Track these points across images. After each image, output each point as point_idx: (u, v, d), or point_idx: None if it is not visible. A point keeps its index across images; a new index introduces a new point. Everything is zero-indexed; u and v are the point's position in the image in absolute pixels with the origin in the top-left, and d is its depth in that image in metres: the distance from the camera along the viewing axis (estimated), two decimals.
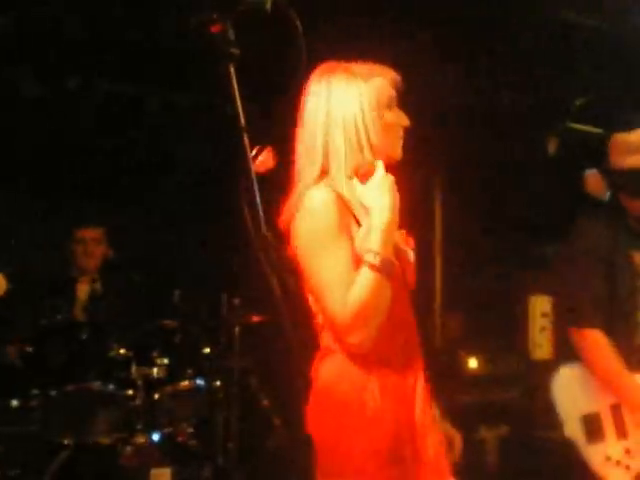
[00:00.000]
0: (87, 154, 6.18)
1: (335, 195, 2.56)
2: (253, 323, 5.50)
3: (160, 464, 4.75)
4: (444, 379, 5.88)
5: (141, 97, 6.13)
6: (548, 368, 7.31)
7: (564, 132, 6.35)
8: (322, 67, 2.71)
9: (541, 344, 7.49)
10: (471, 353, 6.05)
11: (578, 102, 6.18)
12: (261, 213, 2.21)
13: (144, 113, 6.14)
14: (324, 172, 2.65)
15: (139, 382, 4.96)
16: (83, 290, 5.77)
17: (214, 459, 5.13)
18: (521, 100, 6.22)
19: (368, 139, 2.61)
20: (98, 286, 5.80)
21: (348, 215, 2.57)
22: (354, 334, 2.47)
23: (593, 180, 4.24)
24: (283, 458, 5.27)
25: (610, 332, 3.81)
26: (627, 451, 3.79)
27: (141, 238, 6.28)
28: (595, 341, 3.81)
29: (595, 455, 3.82)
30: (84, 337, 5.21)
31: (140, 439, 4.84)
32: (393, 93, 2.67)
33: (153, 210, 6.44)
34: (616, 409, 3.83)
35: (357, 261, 2.51)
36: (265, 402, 5.39)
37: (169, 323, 5.30)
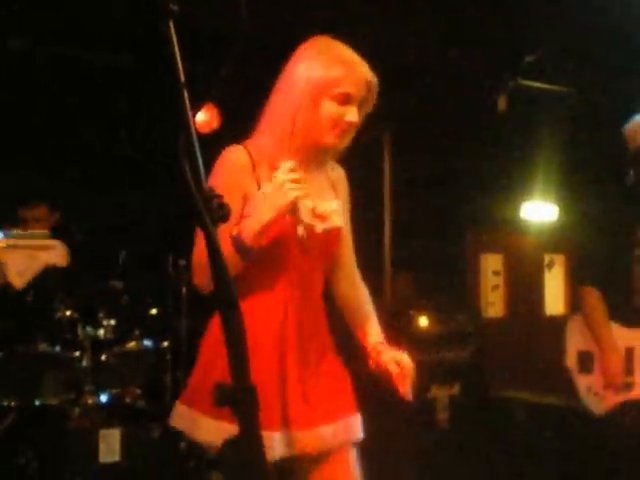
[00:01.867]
0: (30, 118, 6.09)
1: (245, 154, 2.76)
2: None
3: (109, 425, 4.73)
4: (394, 338, 5.88)
5: (83, 59, 6.04)
6: (500, 326, 7.41)
7: (514, 89, 6.35)
8: (314, 39, 2.85)
9: (493, 302, 7.55)
10: (422, 312, 6.04)
11: (528, 59, 6.17)
12: (202, 167, 2.18)
13: (87, 75, 6.05)
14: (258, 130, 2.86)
15: (86, 343, 4.95)
16: None
17: (163, 420, 5.11)
18: (470, 57, 6.21)
19: (293, 119, 2.77)
20: None
21: (249, 176, 2.76)
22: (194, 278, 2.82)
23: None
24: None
25: (611, 292, 4.70)
26: (605, 386, 4.69)
27: (87, 200, 6.21)
28: (591, 297, 4.69)
29: (581, 384, 4.77)
30: (29, 299, 5.17)
31: (88, 400, 4.84)
32: (351, 91, 2.77)
33: (98, 172, 6.37)
34: None
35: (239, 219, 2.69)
36: None
37: (115, 284, 5.26)
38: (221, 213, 2.25)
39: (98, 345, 5.01)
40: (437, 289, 6.50)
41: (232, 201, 2.55)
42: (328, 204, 2.90)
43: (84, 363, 4.92)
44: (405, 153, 6.62)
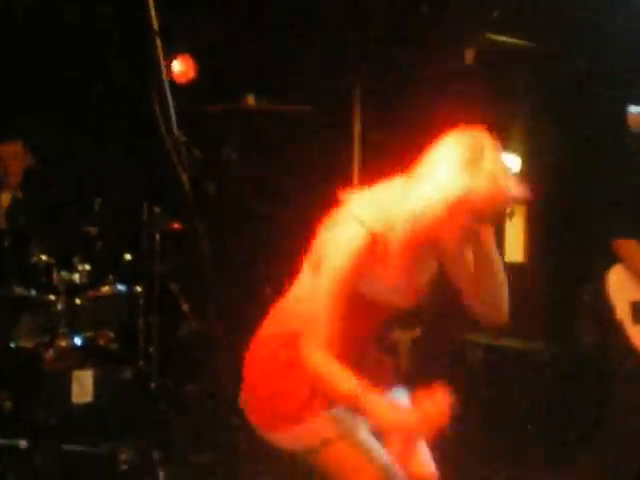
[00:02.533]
0: (7, 65, 6.10)
1: (369, 240, 2.72)
2: (173, 230, 5.58)
3: (82, 367, 4.81)
4: None
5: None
6: None
7: (482, 43, 6.39)
8: (465, 135, 2.73)
9: None
10: None
11: (496, 12, 6.23)
12: (173, 114, 2.26)
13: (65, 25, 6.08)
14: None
15: (61, 287, 4.98)
16: (5, 199, 5.77)
17: (135, 363, 5.22)
18: (439, 9, 6.27)
19: (422, 221, 2.72)
20: (19, 194, 5.80)
21: (370, 258, 2.74)
22: (306, 357, 2.73)
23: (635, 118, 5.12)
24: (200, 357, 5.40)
25: None
26: None
27: (63, 146, 6.25)
28: (632, 249, 4.75)
29: (638, 334, 4.71)
30: (6, 244, 5.22)
31: (62, 343, 4.87)
32: (490, 209, 2.69)
33: (75, 118, 6.40)
34: None
35: (356, 300, 2.75)
36: (185, 307, 5.47)
37: (90, 230, 5.31)
38: (190, 159, 2.36)
39: (73, 289, 5.04)
40: None
41: (349, 283, 2.73)
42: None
43: (59, 307, 4.96)
44: (375, 98, 6.67)
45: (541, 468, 5.18)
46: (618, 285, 4.85)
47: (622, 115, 5.23)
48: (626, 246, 4.77)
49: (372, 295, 2.83)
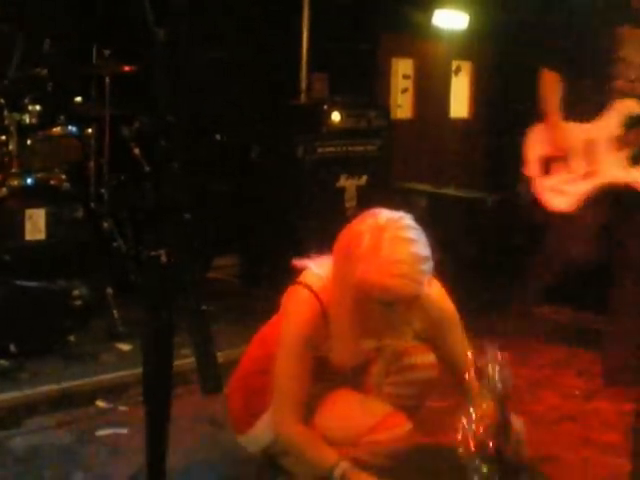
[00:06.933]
0: None
1: (318, 309, 2.94)
2: (124, 73, 5.61)
3: (34, 205, 4.89)
4: (308, 132, 6.13)
5: None
6: (407, 126, 7.69)
7: None
8: (381, 223, 2.91)
9: (402, 105, 7.79)
10: (334, 107, 6.23)
11: None
12: None
13: None
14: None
15: (11, 128, 4.99)
16: None
17: (86, 201, 5.31)
18: None
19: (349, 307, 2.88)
20: None
21: (321, 330, 2.94)
22: (277, 431, 3.00)
23: None
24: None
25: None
26: (565, 181, 5.02)
27: None
28: (548, 78, 5.06)
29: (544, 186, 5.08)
30: None
31: (14, 182, 4.92)
32: (396, 302, 2.82)
33: None
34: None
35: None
36: (136, 151, 5.55)
37: (39, 71, 5.30)
38: None
39: (24, 129, 5.07)
40: (350, 90, 6.68)
41: (304, 360, 2.93)
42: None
43: (10, 146, 4.97)
44: None
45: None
46: (532, 141, 5.20)
47: None
48: (547, 76, 5.07)
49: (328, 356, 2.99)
